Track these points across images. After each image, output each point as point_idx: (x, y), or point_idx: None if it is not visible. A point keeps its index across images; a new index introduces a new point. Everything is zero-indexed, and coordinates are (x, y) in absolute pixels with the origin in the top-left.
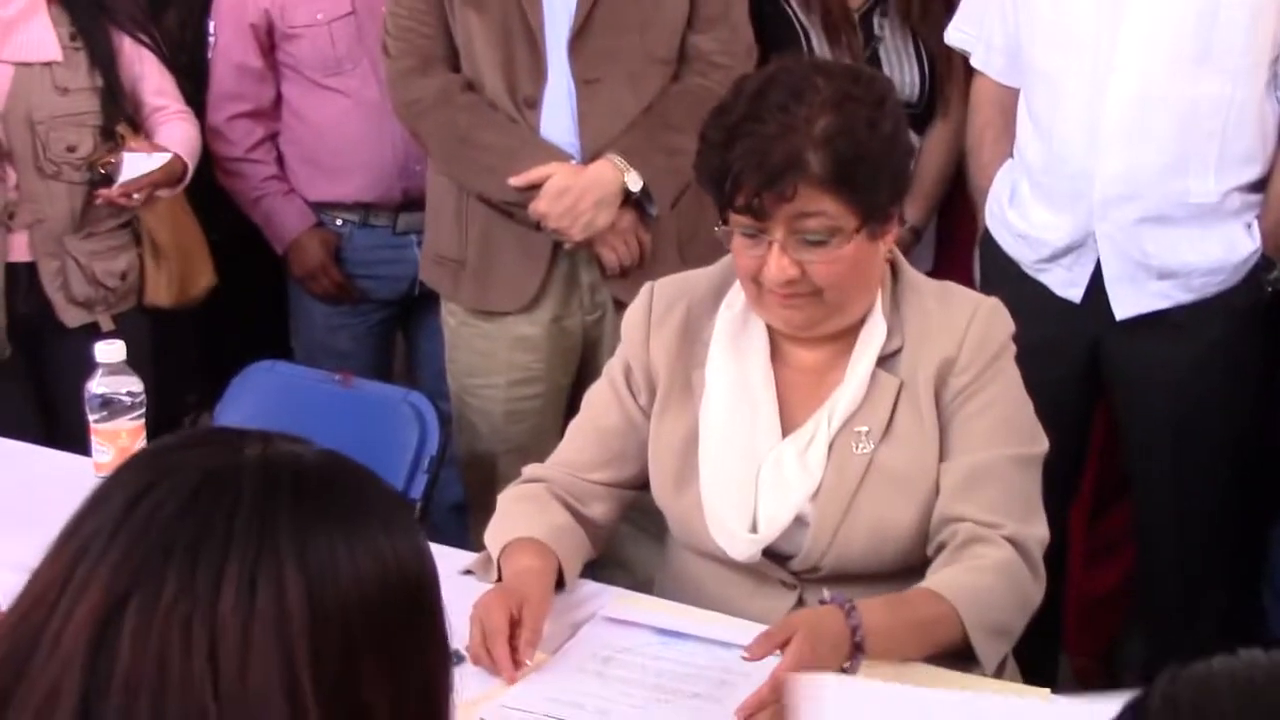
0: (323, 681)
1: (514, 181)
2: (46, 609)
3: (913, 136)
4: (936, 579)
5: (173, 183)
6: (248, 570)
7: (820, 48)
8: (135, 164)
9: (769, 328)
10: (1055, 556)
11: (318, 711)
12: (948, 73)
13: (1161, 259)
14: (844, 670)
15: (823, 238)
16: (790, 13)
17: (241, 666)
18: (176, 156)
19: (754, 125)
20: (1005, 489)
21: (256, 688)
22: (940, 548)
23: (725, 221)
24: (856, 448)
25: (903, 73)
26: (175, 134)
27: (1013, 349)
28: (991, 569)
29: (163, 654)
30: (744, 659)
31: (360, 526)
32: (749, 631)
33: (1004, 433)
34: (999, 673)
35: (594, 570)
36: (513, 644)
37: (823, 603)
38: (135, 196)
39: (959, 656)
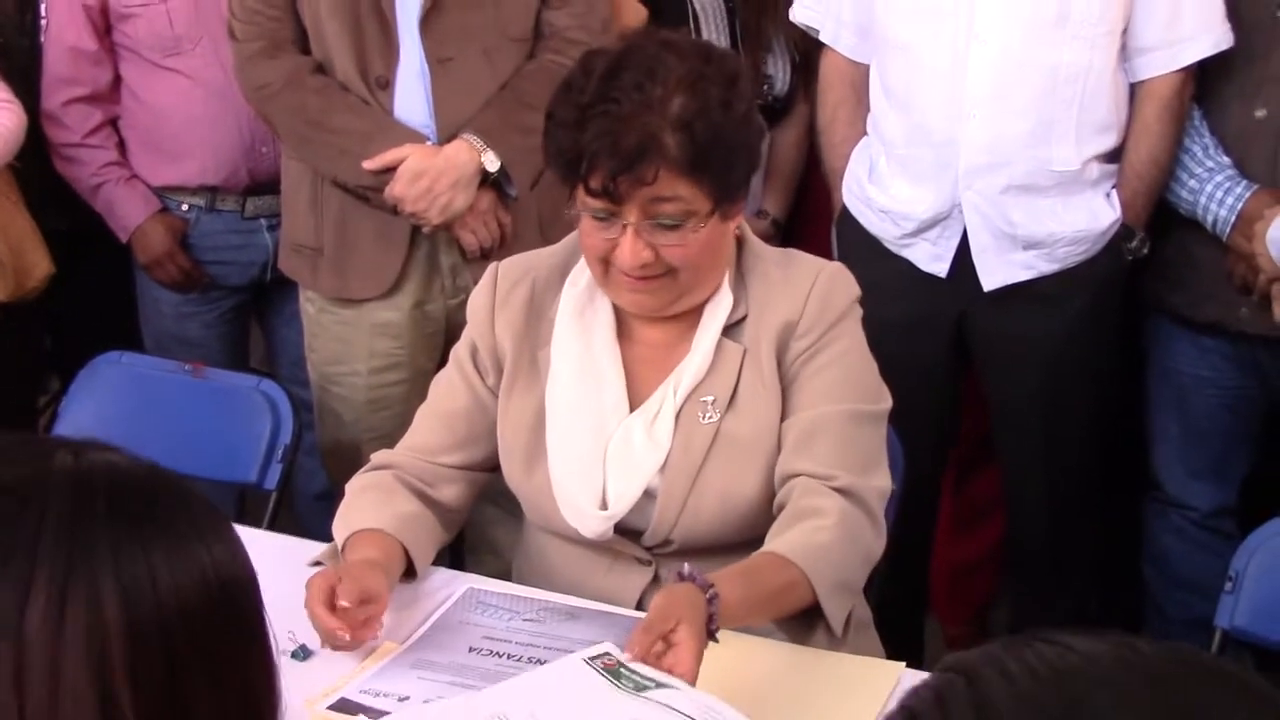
0: (142, 701)
1: (368, 165)
2: None
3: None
4: (780, 542)
5: None
6: (58, 585)
7: (708, 32)
8: None
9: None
10: (924, 527)
11: None
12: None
13: (1027, 228)
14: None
15: (677, 222)
16: None
17: (52, 692)
18: None
19: (607, 105)
20: (840, 442)
21: (68, 715)
22: (781, 508)
23: (574, 202)
24: (703, 417)
25: (778, 69)
26: None
27: (858, 312)
28: (831, 527)
29: None
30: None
31: (177, 537)
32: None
33: (841, 389)
34: (854, 645)
35: (463, 555)
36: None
37: (681, 576)
38: None
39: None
